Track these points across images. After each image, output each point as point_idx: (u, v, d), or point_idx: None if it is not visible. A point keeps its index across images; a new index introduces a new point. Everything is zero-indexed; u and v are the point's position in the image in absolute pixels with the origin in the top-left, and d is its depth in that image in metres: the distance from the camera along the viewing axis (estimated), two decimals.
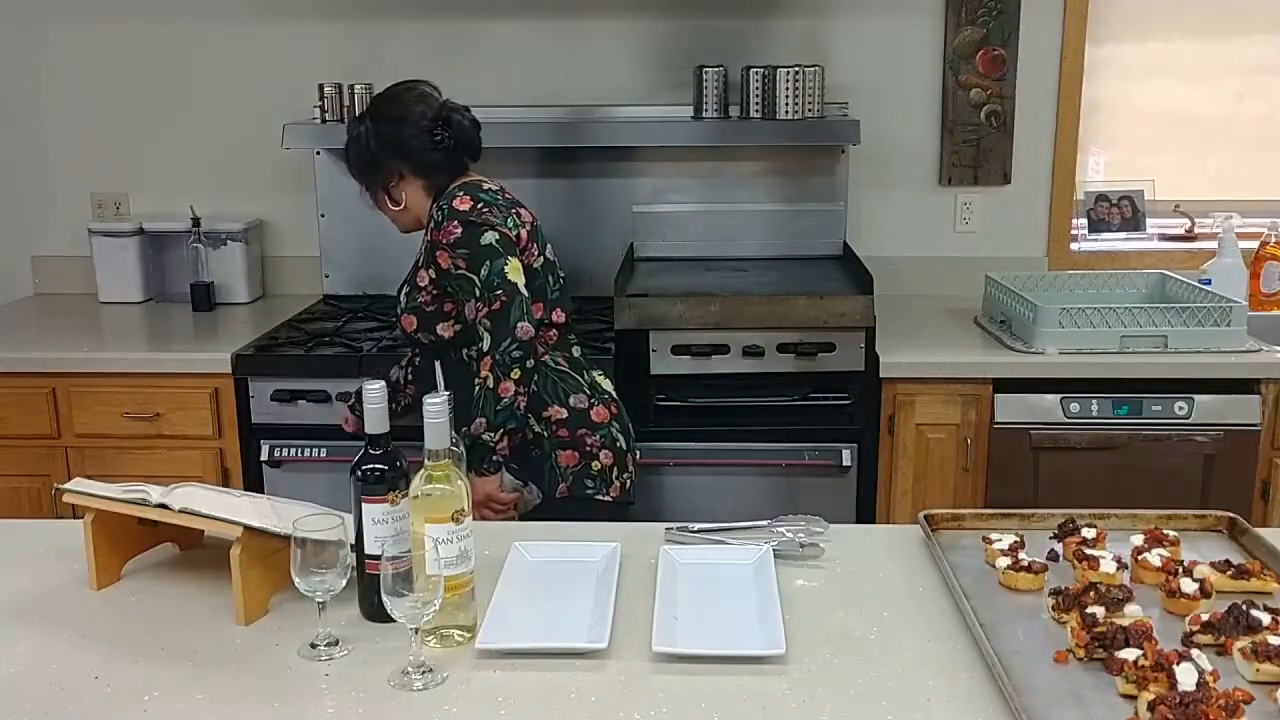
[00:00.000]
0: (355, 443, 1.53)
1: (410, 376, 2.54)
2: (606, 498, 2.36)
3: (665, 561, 1.66)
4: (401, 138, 2.34)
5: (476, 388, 2.22)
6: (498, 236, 2.27)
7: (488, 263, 2.25)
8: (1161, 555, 1.63)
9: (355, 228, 3.38)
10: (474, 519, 1.50)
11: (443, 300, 2.34)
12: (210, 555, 1.70)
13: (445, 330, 2.36)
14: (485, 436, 2.20)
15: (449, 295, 2.33)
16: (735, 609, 1.56)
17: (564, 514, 2.23)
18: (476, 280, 2.25)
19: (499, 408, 2.20)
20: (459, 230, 2.27)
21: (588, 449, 2.35)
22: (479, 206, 2.31)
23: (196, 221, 3.32)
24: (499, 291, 2.22)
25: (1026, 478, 2.77)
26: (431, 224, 2.33)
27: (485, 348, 2.23)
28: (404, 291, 2.40)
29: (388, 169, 2.37)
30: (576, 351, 2.46)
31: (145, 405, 2.83)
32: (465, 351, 2.35)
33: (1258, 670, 1.35)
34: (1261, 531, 1.74)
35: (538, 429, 2.35)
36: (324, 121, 3.22)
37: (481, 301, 2.24)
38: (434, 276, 2.32)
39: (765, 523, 1.79)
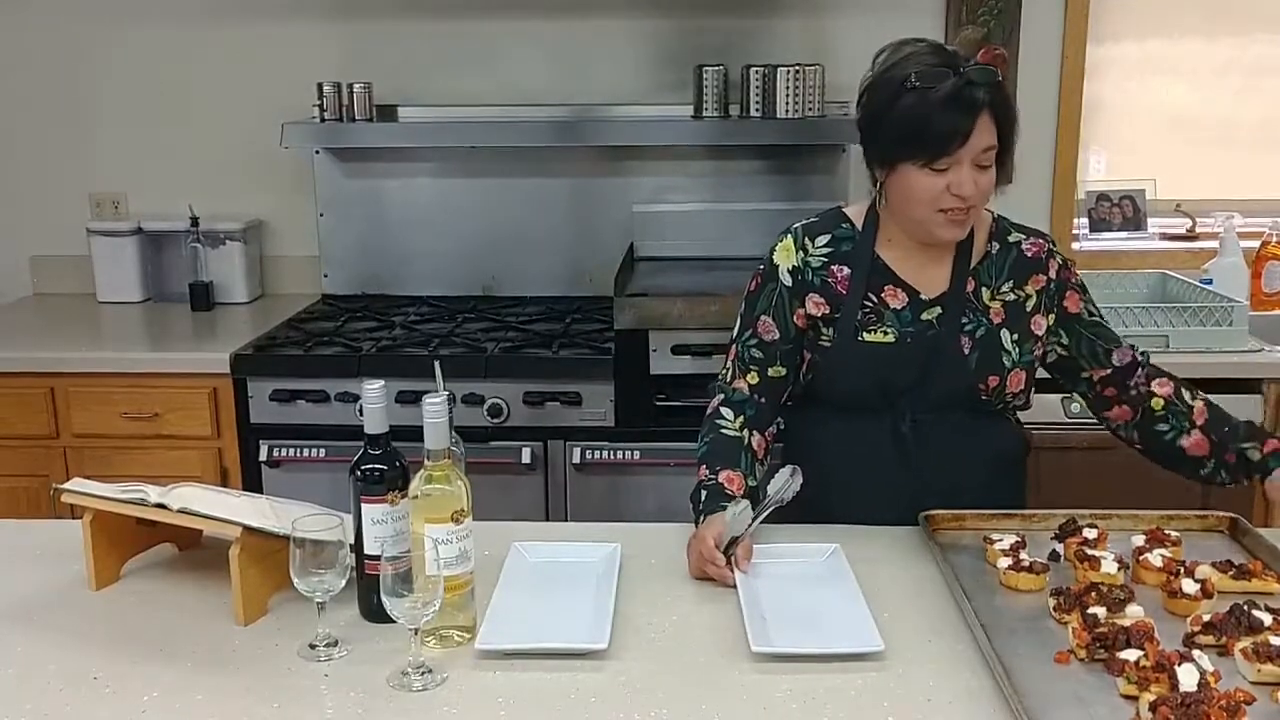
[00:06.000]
0: (354, 443, 1.52)
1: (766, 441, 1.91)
2: None
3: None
4: None
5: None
6: None
7: None
8: (1163, 555, 1.63)
9: (354, 227, 3.38)
10: None
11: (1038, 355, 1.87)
12: (209, 555, 1.69)
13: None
14: None
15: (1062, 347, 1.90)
16: (823, 607, 1.55)
17: None
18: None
19: None
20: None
21: None
22: None
23: (195, 221, 3.32)
24: None
25: (1028, 478, 2.76)
26: (1015, 251, 1.86)
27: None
28: (1001, 343, 1.82)
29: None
30: None
31: (144, 405, 2.82)
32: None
33: (1259, 671, 1.35)
34: (1263, 531, 1.75)
35: None
36: (323, 121, 3.22)
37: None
38: (1052, 324, 1.87)
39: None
